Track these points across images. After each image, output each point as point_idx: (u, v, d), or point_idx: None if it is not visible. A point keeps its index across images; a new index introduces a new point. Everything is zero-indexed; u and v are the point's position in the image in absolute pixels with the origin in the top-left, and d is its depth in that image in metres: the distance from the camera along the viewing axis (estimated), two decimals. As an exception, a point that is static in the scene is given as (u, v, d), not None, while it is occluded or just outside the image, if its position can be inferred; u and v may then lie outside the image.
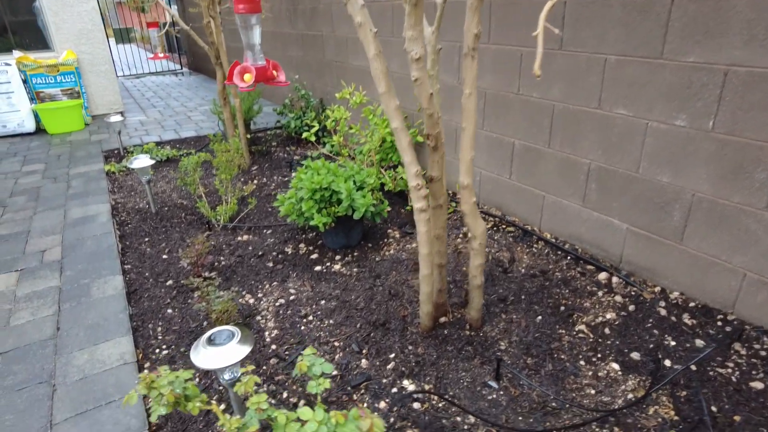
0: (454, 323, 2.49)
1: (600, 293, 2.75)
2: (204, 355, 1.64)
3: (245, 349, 1.66)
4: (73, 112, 6.42)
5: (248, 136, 5.25)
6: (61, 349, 2.29)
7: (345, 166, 3.24)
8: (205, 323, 2.51)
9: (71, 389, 2.05)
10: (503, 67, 3.34)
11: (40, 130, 6.55)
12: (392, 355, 2.27)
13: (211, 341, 1.69)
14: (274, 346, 2.34)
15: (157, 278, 2.97)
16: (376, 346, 2.34)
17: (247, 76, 1.96)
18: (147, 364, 2.24)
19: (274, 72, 2.09)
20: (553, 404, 2.02)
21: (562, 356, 2.28)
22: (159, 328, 2.50)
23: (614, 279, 2.87)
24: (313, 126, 4.08)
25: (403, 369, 2.19)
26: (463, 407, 1.98)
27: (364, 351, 2.30)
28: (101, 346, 2.31)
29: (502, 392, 2.08)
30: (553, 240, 3.29)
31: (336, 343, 2.36)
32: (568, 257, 3.12)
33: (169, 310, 2.65)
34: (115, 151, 5.55)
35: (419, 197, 2.02)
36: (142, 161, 3.63)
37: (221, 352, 1.64)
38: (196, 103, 8.08)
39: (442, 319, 2.51)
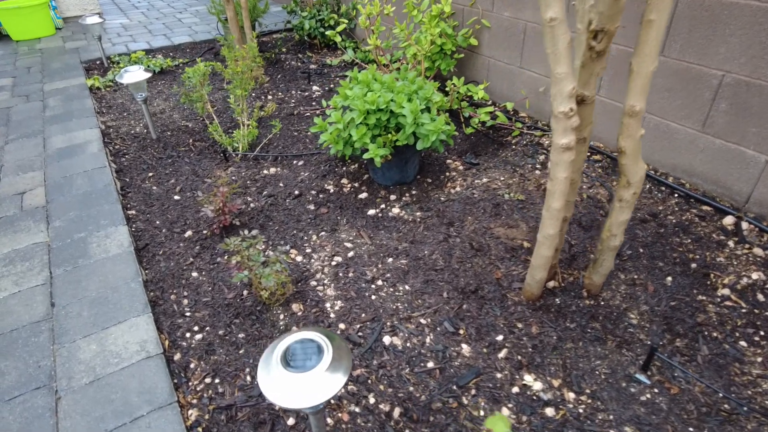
0: (566, 289, 1.94)
1: (731, 244, 2.18)
2: (280, 384, 1.07)
3: (339, 379, 1.09)
4: (39, 13, 5.38)
5: (255, 39, 4.37)
6: (60, 336, 1.73)
7: (404, 79, 2.51)
8: (245, 292, 1.94)
9: (81, 398, 1.51)
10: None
11: (3, 37, 5.55)
12: (500, 338, 1.73)
13: (287, 361, 1.11)
14: (342, 325, 1.79)
15: (171, 228, 2.35)
16: (475, 323, 1.79)
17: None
18: (177, 356, 1.69)
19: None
20: (726, 406, 1.53)
21: (715, 334, 1.76)
22: (185, 300, 1.92)
23: (744, 225, 2.29)
24: (341, 22, 3.29)
25: (519, 358, 1.66)
26: None
27: (461, 331, 1.76)
28: (112, 330, 1.74)
29: (656, 389, 1.57)
30: (652, 172, 2.67)
31: (422, 320, 1.81)
32: (676, 195, 2.52)
33: (194, 273, 2.06)
34: (97, 62, 4.66)
35: (567, 129, 1.36)
36: (135, 74, 2.86)
37: (305, 382, 1.07)
38: (185, 3, 6.95)
39: (550, 284, 1.96)
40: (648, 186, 2.60)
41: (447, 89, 3.08)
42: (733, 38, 2.19)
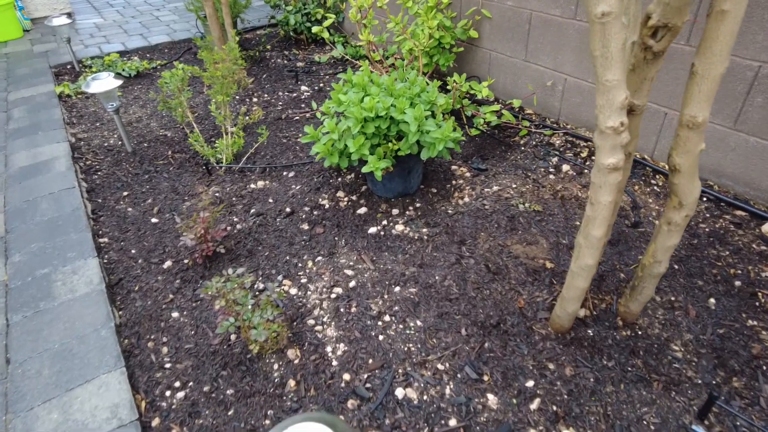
0: (599, 318, 1.71)
1: (774, 253, 1.96)
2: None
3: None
4: (3, 15, 5.02)
5: (236, 38, 4.07)
6: (15, 402, 1.47)
7: (404, 80, 2.25)
8: (233, 336, 1.69)
9: (38, 486, 1.26)
10: None
11: (-33, 41, 5.20)
12: (530, 383, 1.50)
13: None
14: (346, 376, 1.55)
15: (148, 258, 2.09)
16: (500, 366, 1.56)
17: None
18: (156, 421, 1.44)
19: None
20: (800, 460, 1.31)
21: (775, 367, 1.54)
22: (164, 348, 1.67)
23: (785, 230, 2.07)
24: (327, 17, 3.00)
25: (555, 408, 1.43)
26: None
27: (485, 377, 1.53)
28: (78, 392, 1.49)
29: (717, 444, 1.35)
30: (679, 172, 2.43)
31: (439, 365, 1.57)
32: (704, 198, 2.30)
33: (174, 313, 1.81)
34: (68, 66, 4.34)
35: (616, 146, 1.11)
36: (104, 83, 2.57)
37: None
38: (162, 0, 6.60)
39: (581, 312, 1.73)
40: (673, 189, 2.37)
41: (448, 87, 2.82)
42: (772, 24, 1.96)
